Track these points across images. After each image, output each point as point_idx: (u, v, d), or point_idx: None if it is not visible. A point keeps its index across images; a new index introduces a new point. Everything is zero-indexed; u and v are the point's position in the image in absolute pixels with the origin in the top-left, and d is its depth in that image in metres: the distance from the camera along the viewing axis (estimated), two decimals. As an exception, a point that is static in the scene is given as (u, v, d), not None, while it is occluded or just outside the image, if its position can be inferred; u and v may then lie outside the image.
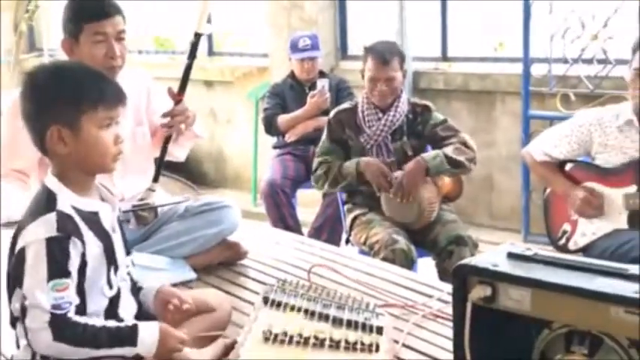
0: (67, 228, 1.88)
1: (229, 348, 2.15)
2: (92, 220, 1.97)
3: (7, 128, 2.86)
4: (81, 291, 1.92)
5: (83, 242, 1.91)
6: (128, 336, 1.90)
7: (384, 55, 3.53)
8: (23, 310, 1.84)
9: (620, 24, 4.55)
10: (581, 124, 3.27)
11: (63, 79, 1.99)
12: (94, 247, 1.94)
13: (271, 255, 3.17)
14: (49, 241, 1.85)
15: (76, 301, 1.88)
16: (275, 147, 5.03)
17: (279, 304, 2.31)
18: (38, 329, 1.81)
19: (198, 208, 3.07)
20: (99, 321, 1.92)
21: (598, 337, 1.58)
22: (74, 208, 1.94)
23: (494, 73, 5.30)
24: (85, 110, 1.93)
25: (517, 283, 1.62)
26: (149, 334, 1.93)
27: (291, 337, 2.11)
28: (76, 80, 1.98)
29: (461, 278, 1.70)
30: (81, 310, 1.90)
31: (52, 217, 1.88)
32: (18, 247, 1.89)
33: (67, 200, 1.93)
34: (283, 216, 4.63)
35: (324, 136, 3.70)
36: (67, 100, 1.93)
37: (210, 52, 7.09)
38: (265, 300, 2.35)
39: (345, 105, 3.77)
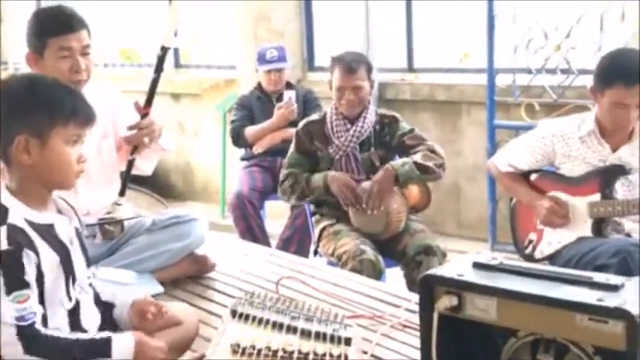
0: (17, 240, 1.86)
1: (198, 362, 2.15)
2: (47, 232, 1.96)
3: None
4: (41, 303, 1.90)
5: (37, 254, 1.89)
6: (101, 348, 1.90)
7: (351, 64, 3.54)
8: None
9: (582, 34, 4.60)
10: (543, 135, 3.30)
11: (39, 90, 1.99)
12: (49, 258, 1.92)
13: (239, 267, 3.16)
14: (2, 255, 1.84)
15: (40, 310, 1.87)
16: (243, 159, 5.01)
17: (247, 317, 2.30)
18: (7, 343, 1.81)
19: (165, 222, 3.05)
20: (72, 334, 1.92)
21: (564, 345, 1.59)
22: (27, 221, 1.92)
23: (459, 83, 5.34)
24: (56, 123, 1.94)
25: (483, 293, 1.63)
26: (124, 345, 1.93)
27: (260, 350, 2.10)
28: (51, 93, 1.99)
29: (427, 288, 1.70)
30: (42, 322, 1.89)
31: (2, 230, 1.86)
32: None
33: (19, 214, 1.92)
34: (251, 228, 4.62)
35: (291, 148, 3.70)
36: (41, 111, 1.94)
37: (177, 65, 7.07)
38: (233, 313, 2.33)
39: (314, 116, 3.78)
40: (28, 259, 1.86)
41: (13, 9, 8.26)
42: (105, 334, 1.96)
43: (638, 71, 2.97)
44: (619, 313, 1.47)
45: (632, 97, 2.97)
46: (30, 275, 1.86)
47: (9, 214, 1.90)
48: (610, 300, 1.50)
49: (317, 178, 3.54)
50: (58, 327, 1.94)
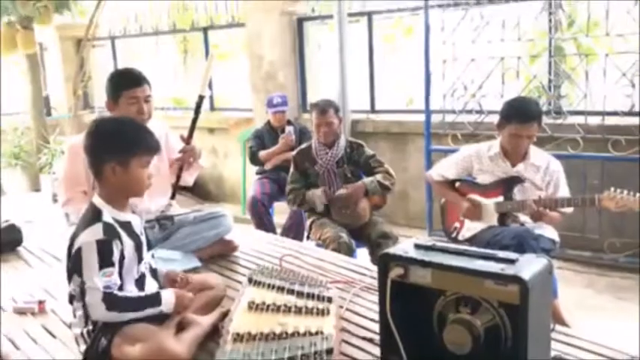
0: (110, 233, 1.88)
1: (224, 315, 2.14)
2: (127, 227, 1.96)
3: (71, 163, 2.80)
4: (120, 276, 1.91)
5: (122, 242, 1.90)
6: (154, 299, 1.94)
7: (323, 107, 3.56)
8: (82, 291, 1.84)
9: (490, 86, 4.61)
10: (464, 156, 3.31)
11: (124, 130, 2.00)
12: (129, 245, 1.94)
13: (254, 248, 3.14)
14: (98, 243, 1.85)
15: (119, 282, 1.89)
16: (257, 173, 4.98)
17: (259, 283, 2.30)
18: (96, 304, 1.83)
19: (203, 217, 3.04)
20: (134, 293, 1.95)
21: (478, 301, 1.59)
22: (114, 219, 1.92)
23: (406, 120, 5.33)
24: (135, 154, 1.95)
25: (421, 265, 1.62)
26: (168, 295, 1.98)
27: (268, 306, 2.10)
28: (131, 132, 2.00)
29: (384, 262, 1.70)
30: (120, 289, 1.90)
31: (99, 225, 1.88)
32: (75, 248, 1.88)
33: (109, 214, 1.92)
34: (262, 221, 4.59)
35: (292, 168, 3.70)
36: (125, 146, 1.95)
37: (212, 108, 7.05)
38: (250, 280, 2.34)
39: (304, 145, 3.77)
40: (116, 246, 1.88)
41: (97, 70, 8.27)
42: (155, 290, 2.01)
43: (528, 113, 3.00)
44: (515, 279, 1.47)
45: (524, 131, 3.00)
46: (115, 257, 1.87)
47: (103, 214, 1.91)
48: (509, 270, 1.51)
49: (309, 194, 3.55)
50: (129, 291, 1.95)
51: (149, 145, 1.99)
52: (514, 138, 3.04)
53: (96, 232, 1.86)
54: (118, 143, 1.94)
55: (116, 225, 1.91)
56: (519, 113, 3.02)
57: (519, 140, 3.03)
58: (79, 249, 1.85)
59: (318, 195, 3.51)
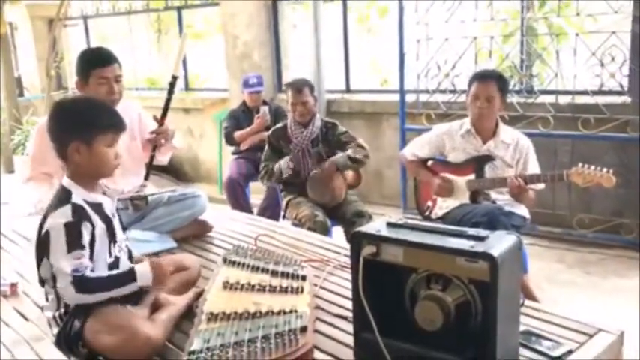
0: (79, 215, 1.82)
1: (199, 294, 2.11)
2: (98, 208, 1.90)
3: (39, 143, 2.74)
4: (91, 258, 1.85)
5: (92, 224, 1.84)
6: (128, 276, 1.85)
7: (298, 86, 3.52)
8: (53, 275, 1.78)
9: (463, 66, 4.61)
10: (437, 134, 3.31)
11: (83, 108, 1.93)
12: (99, 228, 1.88)
13: (229, 228, 3.11)
14: (67, 225, 1.79)
15: (90, 264, 1.82)
16: (233, 153, 4.94)
17: (234, 263, 2.28)
18: (65, 287, 1.76)
19: (177, 197, 3.00)
20: (106, 272, 1.87)
21: (449, 278, 1.58)
22: (84, 200, 1.87)
23: (381, 100, 5.32)
24: (98, 133, 1.88)
25: (393, 243, 1.61)
26: (143, 269, 1.88)
27: (242, 285, 2.08)
28: (95, 111, 1.93)
29: (357, 241, 1.68)
30: (90, 271, 1.84)
31: (68, 207, 1.82)
32: (43, 231, 1.82)
33: (79, 195, 1.87)
34: (239, 201, 4.56)
35: (266, 147, 3.66)
36: (88, 124, 1.88)
37: (187, 88, 6.96)
38: (224, 260, 2.32)
39: (279, 125, 3.73)
40: (86, 228, 1.81)
41: (70, 50, 8.10)
42: (129, 266, 1.92)
43: (485, 73, 3.14)
44: (485, 256, 1.47)
45: (481, 90, 3.06)
46: (85, 240, 1.80)
47: (72, 196, 1.86)
48: (479, 247, 1.50)
49: (276, 166, 3.52)
50: (101, 274, 1.88)
51: (113, 123, 1.93)
52: (474, 98, 3.08)
53: (64, 214, 1.80)
54: (80, 122, 1.88)
55: (86, 206, 1.86)
56: (478, 73, 3.15)
57: (478, 102, 3.06)
58: (47, 232, 1.80)
59: (284, 164, 3.47)
